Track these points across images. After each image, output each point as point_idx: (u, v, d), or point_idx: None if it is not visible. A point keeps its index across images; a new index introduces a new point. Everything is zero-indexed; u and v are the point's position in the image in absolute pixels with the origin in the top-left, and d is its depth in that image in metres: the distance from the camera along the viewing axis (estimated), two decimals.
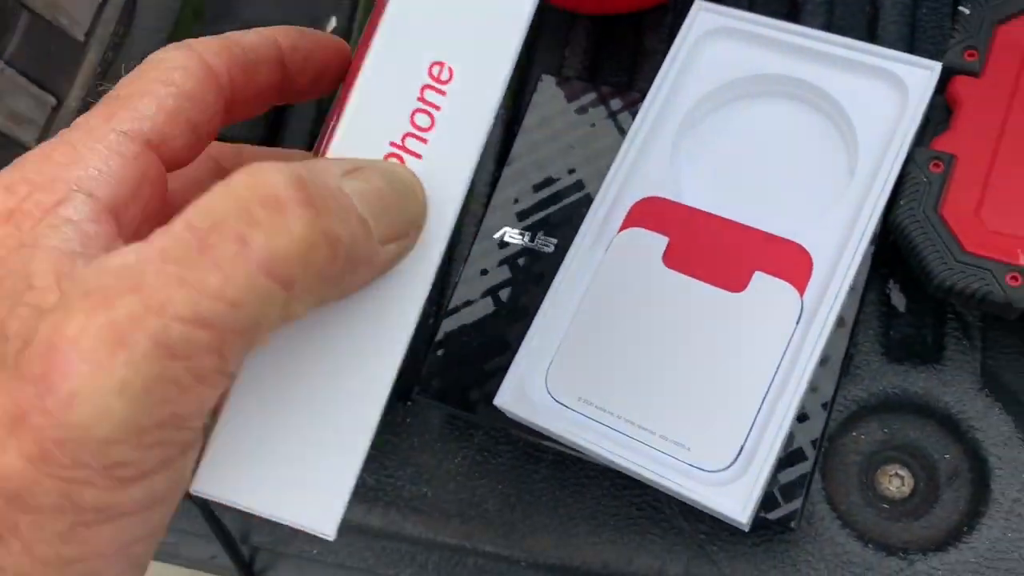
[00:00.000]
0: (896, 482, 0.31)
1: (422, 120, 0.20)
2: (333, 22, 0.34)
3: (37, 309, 0.16)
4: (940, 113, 0.31)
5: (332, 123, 0.20)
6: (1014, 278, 0.28)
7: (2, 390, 0.15)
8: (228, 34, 0.22)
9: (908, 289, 0.32)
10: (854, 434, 0.32)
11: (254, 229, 0.16)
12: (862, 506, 0.31)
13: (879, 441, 0.31)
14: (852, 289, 0.30)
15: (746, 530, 0.29)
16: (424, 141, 0.20)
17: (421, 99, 0.20)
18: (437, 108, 0.20)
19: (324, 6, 0.34)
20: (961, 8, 0.32)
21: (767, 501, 0.29)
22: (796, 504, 0.29)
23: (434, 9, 0.20)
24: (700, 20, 0.33)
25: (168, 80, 0.20)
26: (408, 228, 0.19)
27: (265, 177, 0.16)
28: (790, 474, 0.29)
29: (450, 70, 0.20)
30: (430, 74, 0.20)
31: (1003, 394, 0.31)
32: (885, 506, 0.31)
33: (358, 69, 0.20)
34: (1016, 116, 0.30)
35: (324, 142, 0.20)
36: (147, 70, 0.21)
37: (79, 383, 0.15)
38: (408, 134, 0.20)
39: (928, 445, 0.31)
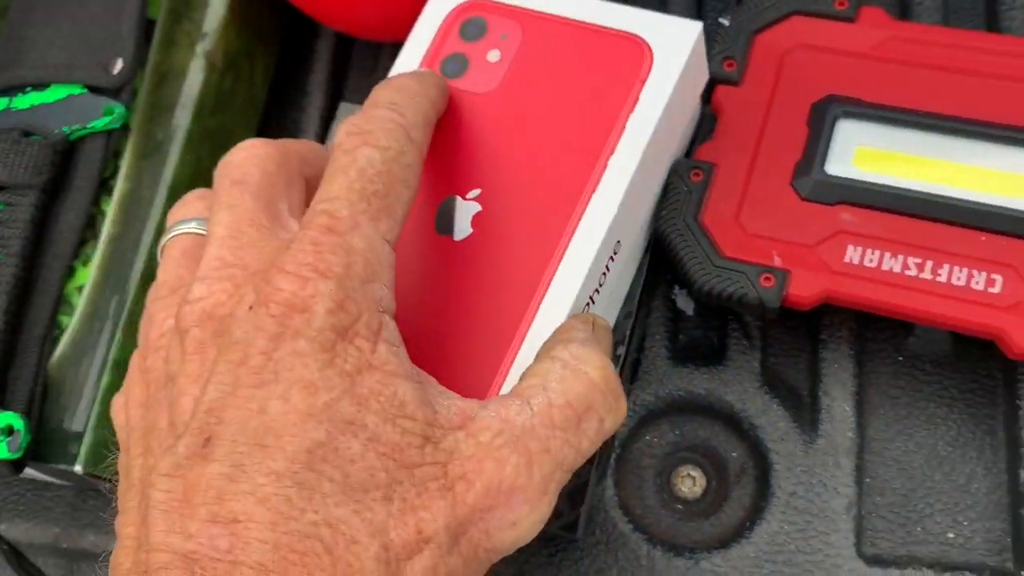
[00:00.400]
0: (688, 482, 0.32)
1: (601, 279, 0.27)
2: (120, 63, 0.34)
3: (438, 446, 0.21)
4: (708, 123, 0.32)
5: (546, 278, 0.26)
6: (767, 279, 0.29)
7: (446, 515, 0.21)
8: (425, 102, 0.26)
9: None
10: (647, 438, 0.32)
11: (609, 414, 0.23)
12: (657, 508, 0.31)
13: (671, 443, 0.32)
14: (627, 298, 0.31)
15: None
16: (598, 293, 0.27)
17: (606, 267, 0.27)
18: (608, 271, 0.28)
19: (110, 49, 0.34)
20: (721, 19, 0.33)
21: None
22: (578, 512, 0.30)
23: (632, 208, 0.28)
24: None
25: (407, 182, 0.24)
26: None
27: (609, 372, 0.24)
28: (575, 483, 0.30)
29: (621, 244, 0.28)
30: (614, 250, 0.28)
31: (781, 390, 0.32)
32: (679, 507, 0.32)
33: (569, 236, 0.27)
34: (773, 121, 0.31)
35: (549, 286, 0.26)
36: (394, 166, 0.24)
37: (520, 517, 0.22)
38: (596, 291, 0.27)
39: (717, 444, 0.32)
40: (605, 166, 0.27)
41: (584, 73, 0.28)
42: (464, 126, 0.29)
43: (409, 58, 0.31)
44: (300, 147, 0.28)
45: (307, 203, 0.27)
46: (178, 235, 0.27)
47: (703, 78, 0.31)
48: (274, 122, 0.40)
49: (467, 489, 0.21)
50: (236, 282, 0.23)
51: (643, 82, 0.28)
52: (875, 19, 0.32)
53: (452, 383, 0.24)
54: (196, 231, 0.27)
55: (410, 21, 0.34)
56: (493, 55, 0.29)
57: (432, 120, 0.27)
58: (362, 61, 0.40)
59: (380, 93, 0.26)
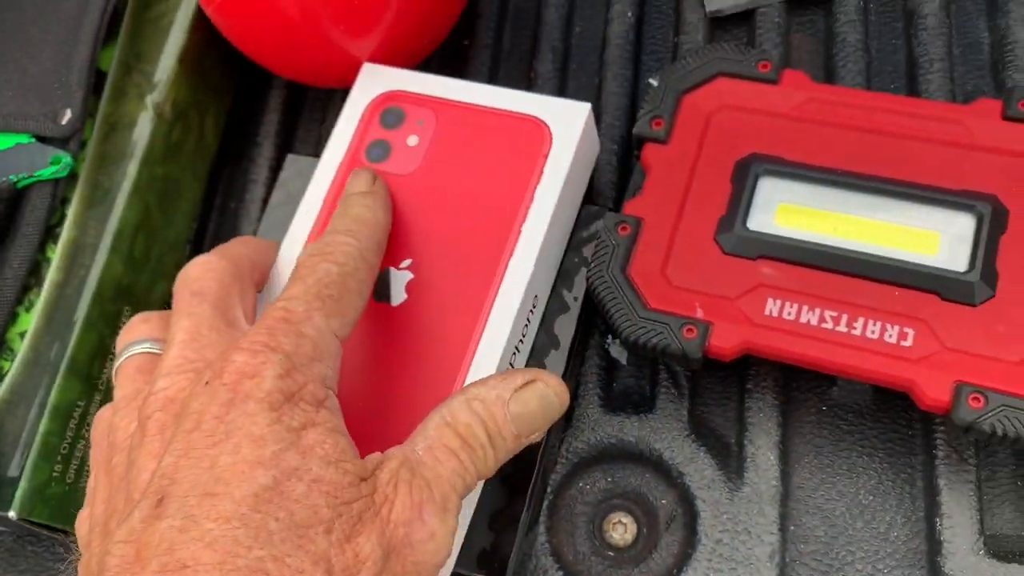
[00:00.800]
0: (620, 529, 0.32)
1: (524, 330, 0.31)
2: (68, 114, 0.35)
3: (367, 482, 0.24)
4: (639, 178, 0.33)
5: (478, 331, 0.30)
6: (689, 330, 0.30)
7: (378, 535, 0.23)
8: (377, 229, 0.30)
9: None
10: (580, 485, 0.33)
11: (479, 463, 0.26)
12: (588, 555, 0.32)
13: (603, 490, 0.33)
14: (558, 347, 0.32)
15: None
16: (522, 342, 0.31)
17: (527, 320, 0.31)
18: (528, 322, 0.31)
19: (58, 100, 0.35)
20: (650, 80, 0.35)
21: (473, 555, 0.30)
22: (507, 558, 0.30)
23: (544, 266, 0.31)
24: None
25: (360, 293, 0.28)
26: (545, 427, 0.28)
27: (472, 433, 0.26)
28: (502, 529, 0.30)
29: (538, 297, 0.32)
30: (532, 304, 0.31)
31: (709, 438, 0.33)
32: (610, 554, 0.32)
33: (493, 296, 0.30)
34: (698, 178, 0.32)
35: (478, 345, 0.30)
36: (349, 279, 0.27)
37: (434, 528, 0.24)
38: (520, 340, 0.31)
39: (647, 492, 0.32)
40: (519, 232, 0.31)
41: (493, 152, 0.32)
42: (392, 204, 0.32)
43: (336, 146, 0.34)
44: (251, 252, 0.31)
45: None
46: (132, 355, 0.29)
47: (595, 150, 0.35)
48: (224, 172, 0.41)
49: (390, 509, 0.24)
50: (198, 373, 0.26)
51: (545, 157, 0.32)
52: (796, 81, 0.33)
53: (396, 436, 0.26)
54: (148, 351, 0.29)
55: (350, 69, 0.36)
56: (412, 140, 0.33)
57: (383, 242, 0.30)
58: (312, 113, 0.41)
59: (338, 222, 0.29)
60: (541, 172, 0.32)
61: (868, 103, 0.32)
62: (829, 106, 0.32)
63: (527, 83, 0.40)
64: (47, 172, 0.35)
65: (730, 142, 0.33)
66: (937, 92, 0.35)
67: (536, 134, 0.33)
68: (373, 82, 0.35)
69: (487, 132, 0.33)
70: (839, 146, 0.32)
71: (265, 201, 0.39)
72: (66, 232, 0.35)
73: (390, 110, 0.34)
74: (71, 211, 0.35)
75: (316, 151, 0.40)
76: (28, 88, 0.36)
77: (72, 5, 0.37)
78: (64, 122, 0.35)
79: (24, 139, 0.35)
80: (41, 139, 0.35)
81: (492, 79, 0.40)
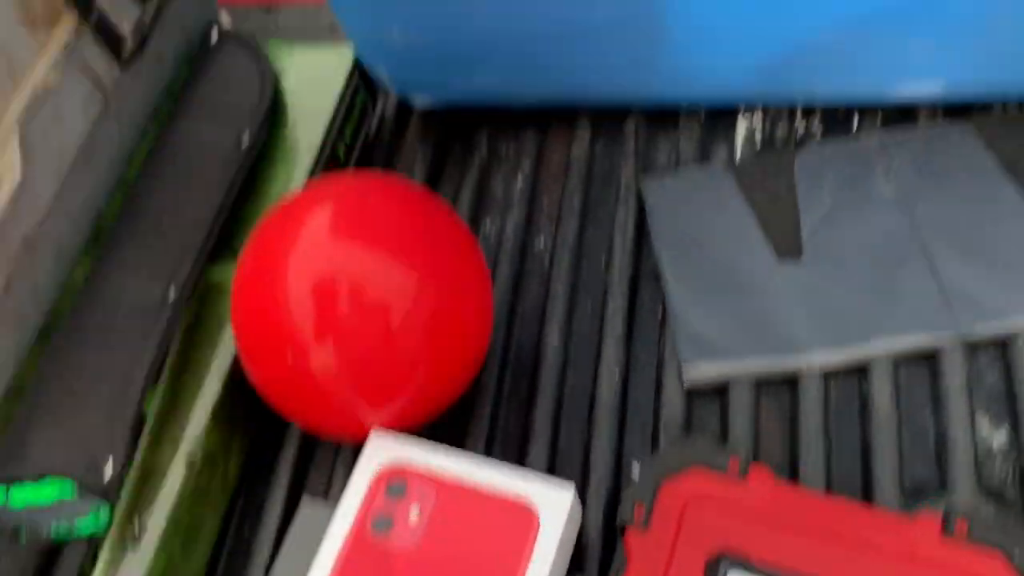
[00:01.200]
0: None
1: None
2: (110, 466, 0.39)
3: None
4: (621, 562, 0.37)
5: None
6: None
7: None
8: None
9: None
10: None
11: None
12: None
13: None
14: None
15: None
16: None
17: None
18: None
19: (102, 451, 0.39)
20: (634, 463, 0.39)
21: None
22: None
23: (561, 555, 0.36)
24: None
25: None
26: None
27: None
28: None
29: None
30: None
31: None
32: None
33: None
34: (674, 570, 0.36)
35: None
36: None
37: None
38: None
39: None
40: None
41: (487, 531, 0.37)
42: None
43: (346, 513, 0.38)
44: None
45: None
46: None
47: (578, 523, 0.39)
48: (241, 502, 0.44)
49: None
50: None
51: (535, 539, 0.36)
52: (762, 479, 0.37)
53: None
54: None
55: (365, 431, 0.40)
56: (414, 513, 0.37)
57: None
58: (323, 462, 0.45)
59: None
60: (531, 554, 0.36)
61: (825, 509, 0.36)
62: (790, 509, 0.36)
63: (523, 431, 0.44)
64: (87, 526, 0.38)
65: (702, 535, 0.36)
66: (887, 480, 0.39)
67: (526, 518, 0.37)
68: (380, 451, 0.39)
69: (482, 513, 0.37)
70: (799, 549, 0.35)
71: (279, 533, 0.42)
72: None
73: (395, 481, 0.38)
74: (102, 556, 0.39)
75: (329, 485, 0.44)
76: (73, 442, 0.40)
77: (123, 359, 0.42)
78: (106, 475, 0.39)
79: (68, 494, 0.39)
80: (83, 485, 0.39)
81: (492, 422, 0.45)
